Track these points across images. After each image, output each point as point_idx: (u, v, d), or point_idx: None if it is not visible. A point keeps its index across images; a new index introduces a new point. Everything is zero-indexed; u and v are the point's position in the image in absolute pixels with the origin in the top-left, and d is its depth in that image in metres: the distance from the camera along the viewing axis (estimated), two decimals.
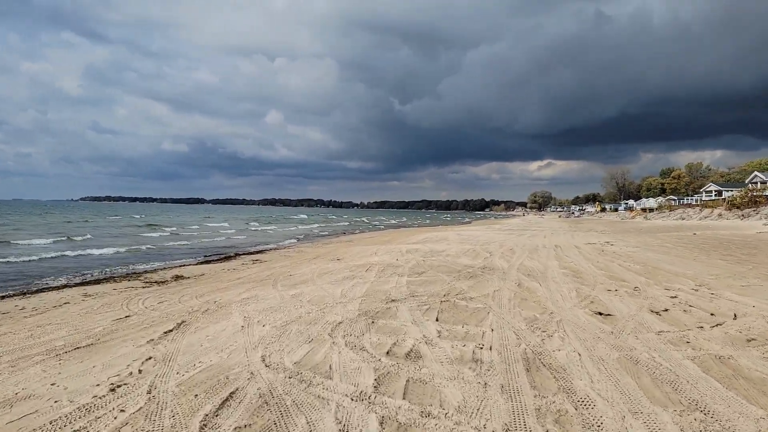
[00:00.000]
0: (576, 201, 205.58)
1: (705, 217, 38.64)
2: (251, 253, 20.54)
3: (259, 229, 46.36)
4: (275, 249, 23.03)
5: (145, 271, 14.44)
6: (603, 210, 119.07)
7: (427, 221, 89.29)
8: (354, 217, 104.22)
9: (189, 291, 10.08)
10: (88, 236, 30.36)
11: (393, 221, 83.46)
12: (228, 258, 18.57)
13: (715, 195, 55.60)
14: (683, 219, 42.36)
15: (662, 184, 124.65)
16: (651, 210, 66.27)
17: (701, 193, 61.79)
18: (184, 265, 16.20)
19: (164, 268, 15.26)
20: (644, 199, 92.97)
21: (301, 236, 36.18)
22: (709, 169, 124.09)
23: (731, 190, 50.50)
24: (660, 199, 78.77)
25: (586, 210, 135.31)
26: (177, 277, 12.54)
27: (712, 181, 67.79)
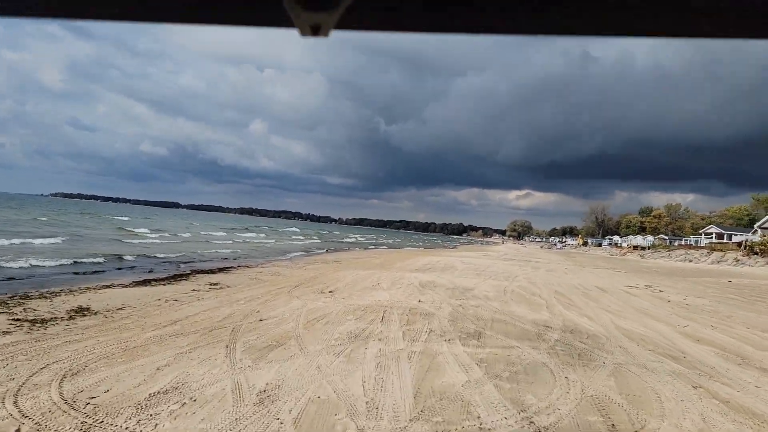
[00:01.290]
0: (553, 232, 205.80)
1: (717, 261, 35.44)
2: (210, 272, 15.79)
3: (254, 241, 41.38)
4: (243, 267, 18.31)
5: (42, 296, 9.59)
6: (585, 244, 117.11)
7: (414, 242, 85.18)
8: (335, 233, 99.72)
9: (57, 353, 5.43)
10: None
11: (382, 239, 79.07)
12: (178, 278, 13.79)
13: (716, 238, 53.23)
14: (691, 261, 39.21)
15: (641, 222, 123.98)
16: (644, 248, 63.58)
17: (700, 235, 59.57)
18: (110, 286, 11.38)
19: (77, 291, 10.43)
20: (632, 236, 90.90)
21: (297, 253, 31.44)
22: (687, 211, 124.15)
23: (738, 234, 48.15)
24: (649, 237, 76.64)
25: (567, 242, 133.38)
26: (77, 312, 7.82)
27: (712, 224, 65.88)
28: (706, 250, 42.65)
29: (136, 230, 40.35)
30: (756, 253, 32.80)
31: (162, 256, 21.37)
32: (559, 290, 13.92)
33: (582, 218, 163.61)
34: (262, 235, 57.64)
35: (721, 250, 40.48)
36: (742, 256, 33.33)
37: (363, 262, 23.58)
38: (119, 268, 16.23)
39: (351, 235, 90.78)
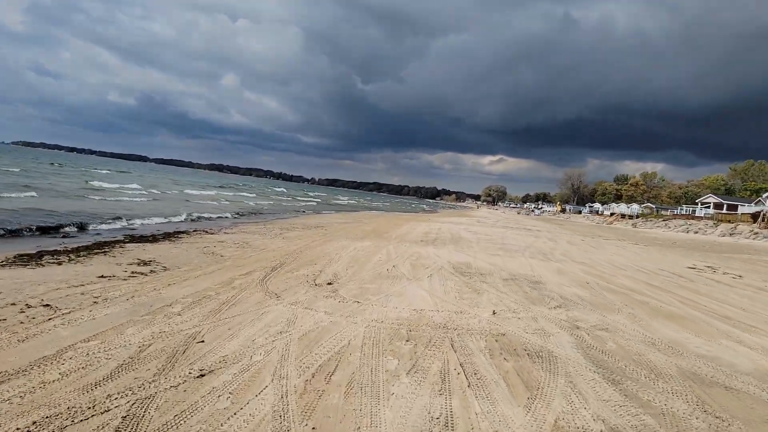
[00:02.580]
0: (527, 198, 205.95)
1: (730, 234, 32.75)
2: (149, 239, 11.28)
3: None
4: (199, 232, 13.81)
5: None
6: (563, 211, 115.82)
7: (393, 206, 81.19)
8: (310, 193, 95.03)
9: None
10: None
11: (365, 202, 75.00)
12: (93, 249, 9.25)
13: (714, 208, 51.16)
14: (696, 233, 36.58)
15: (617, 190, 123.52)
16: (632, 217, 61.43)
17: (696, 204, 57.63)
18: None
19: None
20: (615, 204, 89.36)
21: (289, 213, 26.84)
22: (663, 180, 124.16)
23: (743, 205, 45.98)
24: (634, 206, 74.87)
25: (544, 209, 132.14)
26: None
27: (712, 193, 64.07)
28: (711, 221, 40.14)
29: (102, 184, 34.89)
30: None
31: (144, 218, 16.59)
32: (642, 278, 10.13)
33: (557, 184, 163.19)
34: (252, 195, 52.91)
35: (729, 221, 38.02)
36: (761, 228, 30.67)
37: (352, 228, 19.34)
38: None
39: (340, 198, 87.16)
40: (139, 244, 10.30)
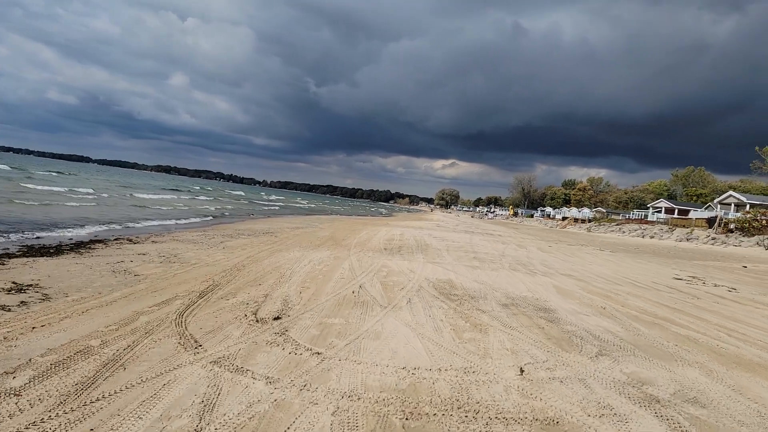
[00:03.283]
0: (478, 202, 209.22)
1: (687, 239, 32.93)
2: (53, 252, 8.90)
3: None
4: (122, 241, 11.43)
5: None
6: (516, 215, 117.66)
7: (348, 209, 79.10)
8: (254, 196, 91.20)
9: None
10: None
11: (319, 205, 72.40)
12: None
13: (665, 212, 52.39)
14: (652, 237, 36.82)
15: (566, 194, 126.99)
16: (584, 221, 62.39)
17: (648, 209, 58.96)
18: None
19: None
20: (566, 208, 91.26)
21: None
22: (608, 185, 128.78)
23: (694, 210, 47.07)
24: (585, 210, 76.49)
25: (497, 213, 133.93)
26: None
27: (664, 198, 65.77)
28: (665, 226, 40.66)
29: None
30: (731, 231, 30.56)
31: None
32: (649, 295, 8.78)
33: (508, 189, 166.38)
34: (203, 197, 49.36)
35: (684, 226, 38.54)
36: (718, 233, 30.98)
37: (307, 234, 17.31)
38: None
39: (300, 201, 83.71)
40: (31, 259, 7.94)
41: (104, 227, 14.96)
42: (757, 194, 46.60)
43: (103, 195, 32.75)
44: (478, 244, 18.69)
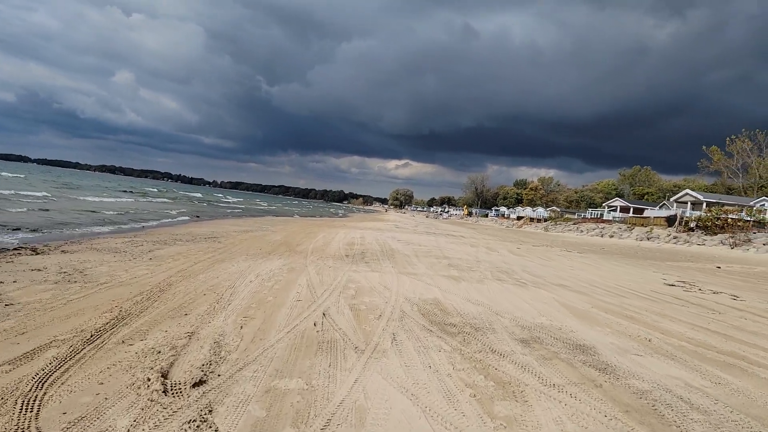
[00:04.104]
0: (432, 202, 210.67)
1: (647, 238, 32.93)
2: None
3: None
4: (23, 251, 9.10)
5: None
6: (470, 214, 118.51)
7: (302, 209, 76.34)
8: (206, 197, 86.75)
9: None
10: None
11: (270, 206, 69.30)
12: None
13: (620, 211, 53.30)
14: (612, 237, 36.88)
15: (518, 194, 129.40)
16: (539, 221, 62.85)
17: (603, 208, 59.96)
18: None
19: None
20: (520, 208, 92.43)
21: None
22: (559, 184, 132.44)
23: (649, 208, 47.95)
24: (540, 209, 77.49)
25: (451, 213, 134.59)
26: None
27: (615, 197, 67.11)
28: (624, 225, 40.90)
29: None
30: (692, 230, 30.78)
31: None
32: (671, 312, 7.48)
33: (461, 188, 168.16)
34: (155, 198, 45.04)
35: (643, 225, 38.81)
36: (679, 232, 31.12)
37: (256, 239, 15.26)
38: None
39: (260, 202, 79.61)
40: None
41: (33, 234, 12.35)
42: (713, 192, 48.08)
43: (53, 200, 28.63)
44: (447, 248, 17.27)
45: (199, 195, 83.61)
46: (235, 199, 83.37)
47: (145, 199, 44.00)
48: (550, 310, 6.85)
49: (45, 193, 32.12)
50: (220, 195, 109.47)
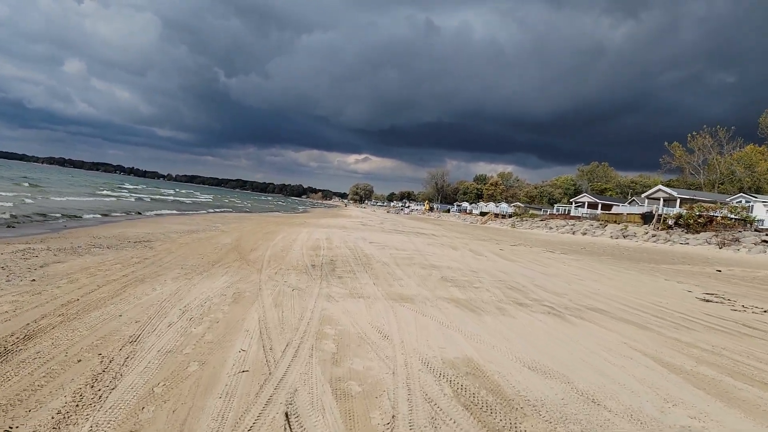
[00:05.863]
0: (392, 197, 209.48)
1: (623, 236, 31.82)
2: None
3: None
4: None
5: None
6: (432, 210, 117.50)
7: (260, 205, 72.43)
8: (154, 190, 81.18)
9: None
10: None
11: (231, 201, 64.79)
12: None
13: (588, 207, 52.79)
14: (584, 234, 35.80)
15: (478, 189, 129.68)
16: (505, 216, 61.94)
17: (570, 204, 59.44)
18: None
19: None
20: (483, 203, 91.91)
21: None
22: (518, 180, 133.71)
23: (617, 204, 47.51)
24: (503, 204, 76.96)
25: (413, 208, 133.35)
26: None
27: (587, 192, 66.71)
28: (596, 222, 39.92)
29: None
30: (670, 227, 29.86)
31: None
32: (733, 347, 5.49)
33: (422, 183, 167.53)
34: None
35: (617, 222, 37.97)
36: (657, 230, 30.15)
37: (201, 243, 12.47)
38: None
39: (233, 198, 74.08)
40: None
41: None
42: (686, 188, 48.07)
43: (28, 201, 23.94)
44: (427, 252, 15.01)
45: (172, 191, 77.53)
46: (205, 196, 77.16)
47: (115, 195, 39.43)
48: (656, 378, 4.37)
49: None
50: (193, 191, 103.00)
